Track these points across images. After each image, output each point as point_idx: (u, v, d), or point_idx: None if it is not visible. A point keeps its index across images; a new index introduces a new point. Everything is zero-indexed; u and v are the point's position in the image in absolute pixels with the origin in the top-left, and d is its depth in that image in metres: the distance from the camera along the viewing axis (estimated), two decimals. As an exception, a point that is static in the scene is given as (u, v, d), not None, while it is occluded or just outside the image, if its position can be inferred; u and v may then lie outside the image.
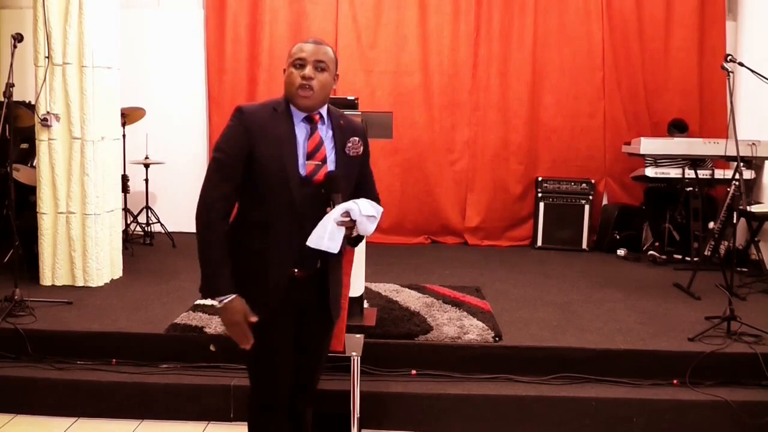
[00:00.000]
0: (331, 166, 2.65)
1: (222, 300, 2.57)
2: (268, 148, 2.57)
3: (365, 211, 2.54)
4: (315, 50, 2.63)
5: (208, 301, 2.55)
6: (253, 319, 2.56)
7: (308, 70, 2.60)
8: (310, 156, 2.63)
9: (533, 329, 4.62)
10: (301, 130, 2.65)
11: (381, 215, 2.63)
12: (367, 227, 2.57)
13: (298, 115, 2.66)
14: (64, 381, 4.10)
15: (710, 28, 7.65)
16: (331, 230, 2.51)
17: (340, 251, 2.65)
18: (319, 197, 2.62)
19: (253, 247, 2.63)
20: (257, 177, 2.58)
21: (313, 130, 2.66)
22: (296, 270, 2.65)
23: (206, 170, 2.64)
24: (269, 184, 2.58)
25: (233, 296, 2.56)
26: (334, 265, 2.78)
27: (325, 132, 2.69)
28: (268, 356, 2.71)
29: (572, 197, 7.62)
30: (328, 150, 2.67)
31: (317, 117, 2.68)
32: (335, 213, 2.52)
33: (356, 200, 2.56)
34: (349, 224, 2.55)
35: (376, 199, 2.78)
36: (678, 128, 7.22)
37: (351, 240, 2.67)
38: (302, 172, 2.60)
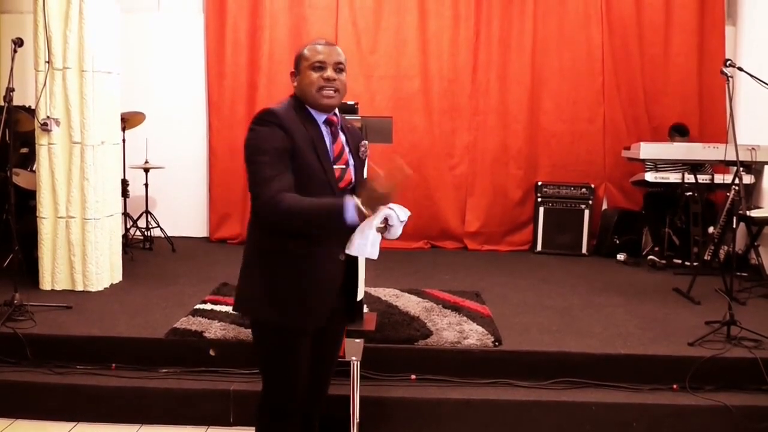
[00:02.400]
0: (351, 170, 2.68)
1: (351, 207, 2.39)
2: (306, 148, 2.55)
3: (401, 217, 2.56)
4: (332, 51, 2.64)
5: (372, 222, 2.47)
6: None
7: (330, 72, 2.61)
8: (336, 160, 2.64)
9: (533, 334, 4.62)
10: (325, 134, 2.65)
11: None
12: (397, 231, 2.59)
13: (318, 117, 2.65)
14: (64, 385, 4.10)
15: (710, 33, 7.66)
16: (373, 238, 2.53)
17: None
18: None
19: (299, 252, 2.59)
20: (302, 179, 2.54)
21: (335, 134, 2.67)
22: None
23: (249, 174, 2.53)
24: (314, 187, 2.53)
25: (349, 198, 2.40)
26: (356, 265, 2.79)
27: (342, 136, 2.70)
28: (290, 361, 2.68)
29: (572, 202, 7.62)
30: (347, 154, 2.69)
31: (335, 119, 2.68)
32: (376, 220, 2.51)
33: (391, 206, 2.55)
34: (383, 230, 2.56)
35: None
36: (679, 132, 7.23)
37: None
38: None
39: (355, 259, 2.75)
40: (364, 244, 2.52)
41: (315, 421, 2.97)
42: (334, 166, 2.62)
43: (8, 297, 4.69)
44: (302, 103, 2.66)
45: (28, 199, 5.84)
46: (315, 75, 2.61)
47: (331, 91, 2.61)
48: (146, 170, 7.26)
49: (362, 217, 2.40)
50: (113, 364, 4.29)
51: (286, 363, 2.68)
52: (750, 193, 6.95)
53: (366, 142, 2.77)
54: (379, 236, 2.56)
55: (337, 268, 2.65)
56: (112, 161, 5.70)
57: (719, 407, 3.95)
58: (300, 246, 2.58)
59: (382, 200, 2.42)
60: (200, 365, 4.26)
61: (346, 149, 2.69)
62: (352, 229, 2.49)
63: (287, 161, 2.52)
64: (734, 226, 5.40)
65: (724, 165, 6.44)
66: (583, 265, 7.11)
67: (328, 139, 2.65)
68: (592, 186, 7.67)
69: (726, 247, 6.55)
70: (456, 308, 5.06)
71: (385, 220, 2.54)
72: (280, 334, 2.63)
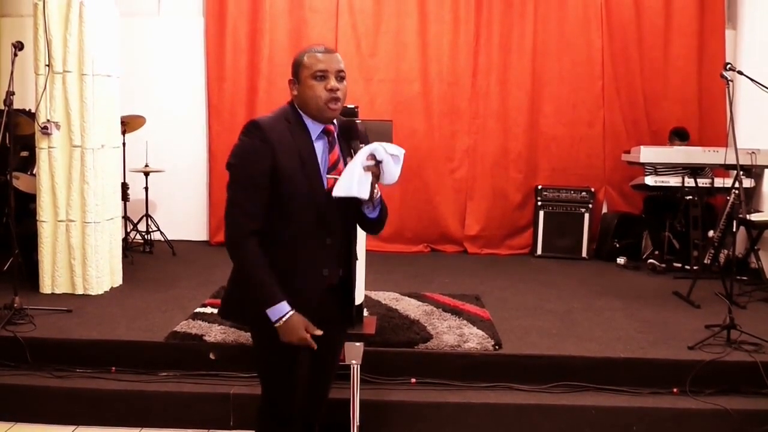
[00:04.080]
0: None
1: (283, 317, 2.50)
2: (291, 162, 2.52)
3: (390, 150, 2.45)
4: (332, 59, 2.59)
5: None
6: (317, 332, 2.55)
7: (333, 82, 2.56)
8: (330, 170, 2.59)
9: (533, 337, 4.62)
10: (319, 144, 2.61)
11: (404, 157, 2.53)
12: (392, 170, 2.48)
13: (314, 128, 2.61)
14: (64, 389, 4.10)
15: (709, 37, 7.67)
16: (359, 176, 2.42)
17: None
18: (342, 212, 2.61)
19: (280, 266, 2.56)
20: (283, 193, 2.52)
21: (331, 143, 2.62)
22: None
23: (228, 190, 2.56)
24: (296, 201, 2.53)
25: (292, 312, 2.50)
26: (354, 275, 2.77)
27: (338, 143, 2.66)
28: (287, 367, 2.67)
29: (572, 206, 7.62)
30: (343, 164, 2.63)
31: (332, 128, 2.64)
32: (361, 156, 2.43)
33: (378, 142, 2.49)
34: (374, 169, 2.47)
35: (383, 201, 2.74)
36: (679, 136, 7.23)
37: (374, 219, 2.66)
38: (324, 186, 2.58)
39: (348, 271, 2.73)
40: (350, 183, 2.43)
41: (316, 427, 2.95)
42: (328, 176, 2.58)
43: (8, 300, 4.70)
44: (298, 113, 2.63)
45: (28, 203, 5.84)
46: (319, 86, 2.56)
47: (336, 104, 2.57)
48: (146, 174, 7.26)
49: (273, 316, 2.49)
50: (113, 368, 4.29)
51: (282, 366, 2.67)
52: (750, 197, 6.95)
53: (359, 143, 2.67)
54: (367, 176, 2.45)
55: (320, 282, 2.63)
56: (112, 165, 5.71)
57: (719, 411, 3.95)
58: (283, 262, 2.57)
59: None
60: (200, 369, 4.26)
61: (342, 159, 2.65)
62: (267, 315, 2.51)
63: (266, 179, 2.51)
64: (734, 229, 5.41)
65: (724, 169, 6.44)
66: (583, 268, 7.11)
67: (323, 150, 2.61)
68: (592, 190, 7.67)
69: (726, 251, 6.55)
70: (456, 312, 5.06)
71: (373, 156, 2.44)
72: (274, 336, 2.62)
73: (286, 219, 2.55)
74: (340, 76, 2.59)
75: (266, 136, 2.52)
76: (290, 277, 2.57)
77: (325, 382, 2.91)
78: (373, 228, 2.78)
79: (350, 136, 2.58)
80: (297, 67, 2.64)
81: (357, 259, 2.82)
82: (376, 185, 2.56)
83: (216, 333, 4.44)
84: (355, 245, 2.81)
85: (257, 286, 2.51)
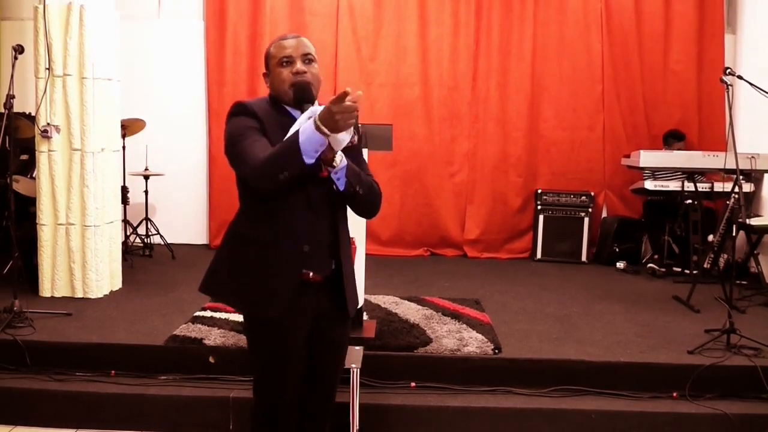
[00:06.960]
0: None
1: (307, 125, 2.34)
2: (276, 137, 2.48)
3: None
4: (298, 44, 2.60)
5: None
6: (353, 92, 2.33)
7: (300, 65, 2.57)
8: None
9: (533, 341, 4.61)
10: None
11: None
12: (338, 135, 2.38)
13: (293, 112, 2.61)
14: (63, 392, 4.09)
15: (709, 41, 7.67)
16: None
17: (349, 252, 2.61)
18: (327, 191, 2.58)
19: (261, 237, 2.55)
20: None
21: None
22: (311, 273, 2.60)
23: (236, 165, 2.51)
24: None
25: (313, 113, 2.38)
26: (348, 267, 2.73)
27: None
28: (277, 365, 2.64)
29: (572, 210, 7.62)
30: None
31: None
32: (301, 119, 2.40)
33: (321, 106, 2.43)
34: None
35: (374, 182, 2.72)
36: (675, 137, 7.24)
37: (347, 189, 2.58)
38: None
39: (339, 261, 2.68)
40: None
41: None
42: None
43: (8, 304, 4.69)
44: (278, 102, 2.63)
45: (27, 206, 5.84)
46: (285, 71, 2.57)
47: None
48: (146, 177, 7.26)
49: (320, 131, 2.30)
50: (113, 371, 4.29)
51: (271, 362, 2.65)
52: (750, 201, 6.95)
53: (309, 106, 2.55)
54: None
55: (299, 257, 2.57)
56: (112, 168, 5.71)
57: (719, 415, 3.94)
58: (263, 234, 2.56)
59: (335, 114, 2.28)
60: (200, 372, 4.26)
61: None
62: (316, 154, 2.36)
63: (262, 136, 2.51)
64: (734, 234, 5.40)
65: (723, 173, 6.44)
66: (582, 272, 7.11)
67: None
68: (592, 194, 7.67)
69: (725, 256, 6.55)
70: (456, 316, 5.05)
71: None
72: (262, 330, 2.61)
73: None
74: (308, 59, 2.58)
75: (252, 110, 2.54)
76: (270, 249, 2.55)
77: (328, 383, 2.84)
78: (360, 208, 2.73)
79: (303, 99, 2.51)
80: (267, 59, 2.66)
81: (351, 246, 2.78)
82: (339, 153, 2.49)
83: (216, 336, 4.44)
84: (345, 229, 2.76)
85: (282, 150, 2.38)
